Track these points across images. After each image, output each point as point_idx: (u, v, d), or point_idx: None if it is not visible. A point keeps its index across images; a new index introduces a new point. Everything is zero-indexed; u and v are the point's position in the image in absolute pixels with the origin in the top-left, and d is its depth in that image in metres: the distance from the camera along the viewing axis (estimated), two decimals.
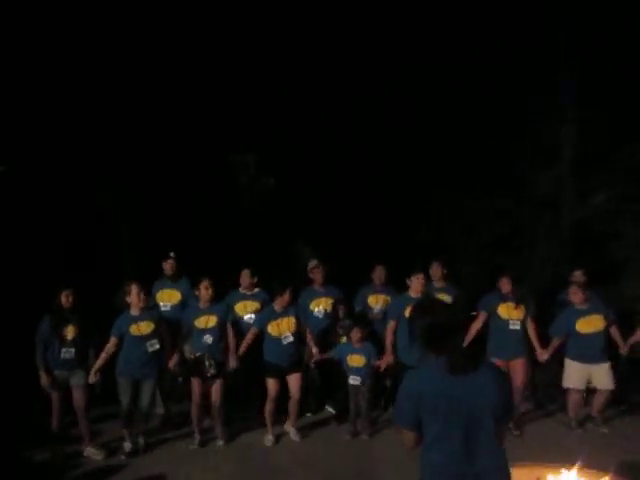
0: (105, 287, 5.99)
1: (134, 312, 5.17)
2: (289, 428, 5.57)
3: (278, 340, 5.35)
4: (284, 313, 5.42)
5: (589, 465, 3.45)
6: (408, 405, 2.35)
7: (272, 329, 5.38)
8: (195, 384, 5.32)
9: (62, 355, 5.08)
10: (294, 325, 5.42)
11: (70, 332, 5.11)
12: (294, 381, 5.40)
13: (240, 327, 5.76)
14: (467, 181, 9.15)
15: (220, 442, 5.43)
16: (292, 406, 5.51)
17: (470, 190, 9.13)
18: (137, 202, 8.30)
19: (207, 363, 5.22)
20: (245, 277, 6.10)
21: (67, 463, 5.09)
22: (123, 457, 5.17)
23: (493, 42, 8.47)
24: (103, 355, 5.08)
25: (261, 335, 5.48)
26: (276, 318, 5.40)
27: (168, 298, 6.10)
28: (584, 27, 8.01)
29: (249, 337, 5.47)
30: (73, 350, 5.12)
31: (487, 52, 8.58)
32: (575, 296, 5.50)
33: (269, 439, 5.44)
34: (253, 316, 5.86)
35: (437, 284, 6.01)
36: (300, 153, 9.46)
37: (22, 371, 5.82)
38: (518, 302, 5.51)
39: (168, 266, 6.12)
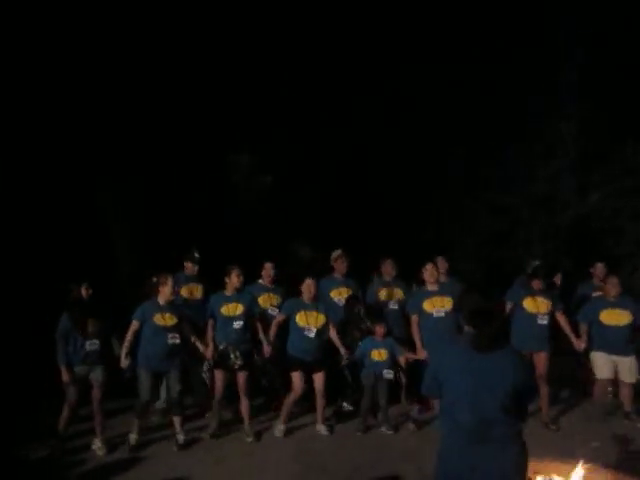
0: (104, 286, 5.88)
1: (162, 302, 5.10)
2: (319, 425, 5.47)
3: (303, 331, 5.30)
4: (313, 307, 5.38)
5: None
6: (430, 377, 2.72)
7: (300, 319, 5.34)
8: (219, 376, 5.27)
9: (87, 348, 4.96)
10: (322, 321, 5.37)
11: (92, 324, 5.00)
12: (319, 377, 5.33)
13: (266, 319, 5.73)
14: (466, 179, 9.24)
15: (249, 439, 5.29)
16: (319, 402, 5.41)
17: (469, 188, 9.22)
18: (136, 202, 8.12)
19: (233, 355, 5.17)
20: (268, 270, 6.15)
21: (66, 460, 4.93)
22: (127, 450, 5.05)
23: (493, 41, 8.58)
24: (128, 337, 5.01)
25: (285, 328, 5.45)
26: (305, 309, 5.38)
27: (189, 293, 6.10)
28: (584, 26, 8.18)
29: (276, 324, 5.49)
30: (97, 342, 5.01)
31: (487, 51, 8.69)
32: (612, 287, 5.54)
33: (280, 429, 5.34)
34: (277, 310, 5.86)
35: (441, 279, 6.02)
36: (299, 152, 9.39)
37: (27, 369, 5.82)
38: (543, 294, 5.52)
39: (192, 267, 6.12)
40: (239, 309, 5.34)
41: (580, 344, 5.55)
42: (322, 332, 5.42)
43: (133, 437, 5.12)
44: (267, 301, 6.03)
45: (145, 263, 6.87)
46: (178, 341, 5.12)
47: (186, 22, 8.39)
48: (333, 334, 5.50)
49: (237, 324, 5.29)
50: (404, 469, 4.54)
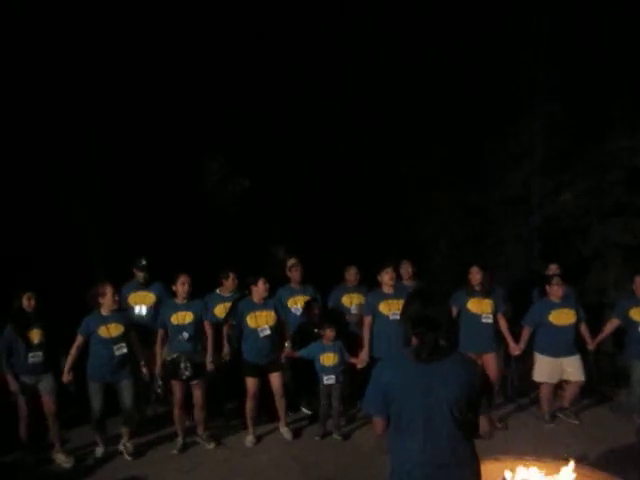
0: (74, 290, 5.92)
1: (104, 313, 5.07)
2: (282, 428, 5.53)
3: (255, 332, 5.30)
4: (263, 306, 5.39)
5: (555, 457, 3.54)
6: (376, 392, 2.48)
7: (250, 321, 5.35)
8: (175, 386, 5.26)
9: (29, 360, 4.95)
10: (273, 319, 5.38)
11: (36, 336, 5.00)
12: (275, 379, 5.37)
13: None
14: (439, 180, 9.26)
15: (209, 445, 5.36)
16: (279, 404, 5.48)
17: (442, 189, 9.24)
18: (105, 205, 8.18)
19: (183, 365, 5.17)
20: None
21: (36, 471, 5.00)
22: (93, 462, 5.09)
23: (463, 42, 8.60)
24: (72, 352, 4.99)
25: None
26: (254, 310, 5.38)
27: (142, 300, 6.05)
28: (554, 28, 8.20)
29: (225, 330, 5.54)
30: (41, 354, 5.00)
31: (457, 52, 8.72)
32: (557, 288, 5.58)
33: (250, 440, 5.40)
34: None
35: (406, 282, 6.08)
36: (273, 154, 9.45)
37: None
38: (486, 295, 5.57)
39: (141, 274, 6.06)
40: (188, 318, 5.30)
41: (515, 350, 5.61)
42: (275, 330, 5.44)
43: (99, 450, 5.15)
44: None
45: (115, 271, 6.92)
46: (125, 350, 5.09)
47: (156, 24, 8.42)
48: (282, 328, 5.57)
49: (184, 334, 5.25)
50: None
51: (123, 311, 5.46)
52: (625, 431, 5.23)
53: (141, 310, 5.95)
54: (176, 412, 5.34)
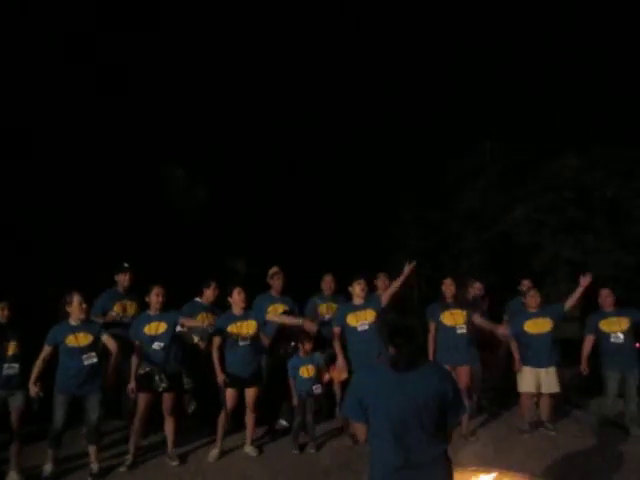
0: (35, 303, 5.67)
1: (73, 322, 4.86)
2: (247, 447, 5.38)
3: (235, 341, 5.22)
4: (244, 317, 5.31)
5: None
6: (355, 399, 2.58)
7: (232, 331, 5.26)
8: (142, 400, 5.05)
9: (4, 371, 4.72)
10: (254, 327, 5.32)
11: (11, 348, 4.78)
12: (251, 392, 5.27)
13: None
14: (399, 195, 9.47)
15: (173, 463, 5.15)
16: (249, 419, 5.35)
17: (401, 204, 9.45)
18: (63, 216, 7.85)
19: (157, 377, 4.98)
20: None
21: None
22: None
23: (427, 62, 8.89)
24: (37, 364, 4.74)
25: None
26: (235, 321, 5.28)
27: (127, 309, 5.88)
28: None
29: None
30: (16, 366, 4.78)
31: (415, 72, 9.00)
32: (533, 299, 5.78)
33: (214, 454, 5.23)
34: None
35: (381, 292, 6.07)
36: (235, 167, 9.37)
37: None
38: (459, 306, 5.69)
39: (124, 278, 5.87)
40: (161, 328, 5.16)
41: (500, 328, 5.80)
42: (255, 340, 5.34)
43: (48, 467, 4.83)
44: (205, 320, 5.79)
45: (72, 281, 6.62)
46: (95, 360, 4.86)
47: (116, 33, 8.24)
48: (285, 319, 5.57)
49: (157, 345, 5.10)
50: None
51: (92, 321, 5.19)
52: (594, 442, 5.37)
53: (127, 319, 5.74)
54: (137, 426, 5.11)
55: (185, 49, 9.02)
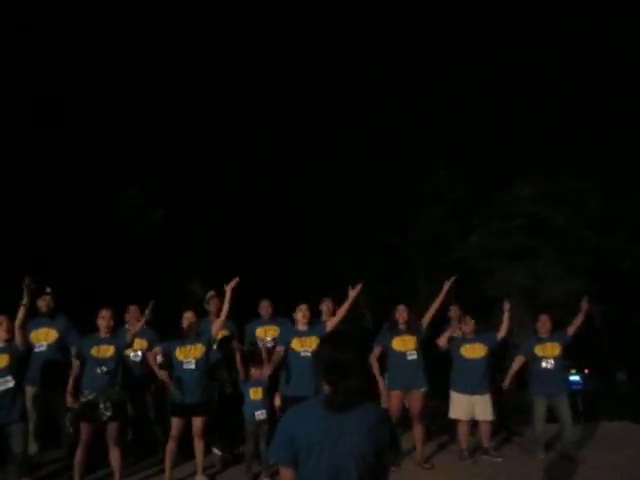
0: None
1: None
2: (199, 477, 5.22)
3: (182, 365, 5.09)
4: (192, 341, 5.18)
5: None
6: (282, 440, 2.32)
7: (179, 354, 5.13)
8: (85, 429, 4.80)
9: None
10: (201, 351, 5.18)
11: None
12: (199, 421, 5.12)
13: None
14: (361, 219, 9.52)
15: None
16: (197, 447, 5.20)
17: (360, 228, 9.51)
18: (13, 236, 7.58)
19: (102, 405, 4.75)
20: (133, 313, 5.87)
21: None
22: None
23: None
24: None
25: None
26: (184, 344, 5.16)
27: (44, 337, 5.56)
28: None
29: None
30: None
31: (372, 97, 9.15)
32: (467, 326, 5.87)
33: None
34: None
35: (325, 319, 6.00)
36: (191, 186, 9.28)
37: None
38: (410, 332, 5.72)
39: (44, 303, 5.58)
40: (110, 352, 4.96)
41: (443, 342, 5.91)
42: (202, 363, 5.20)
43: None
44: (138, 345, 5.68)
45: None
46: (11, 384, 4.59)
47: (71, 45, 8.11)
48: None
49: (103, 368, 4.88)
50: None
51: (9, 342, 4.92)
52: (530, 466, 5.47)
53: (42, 348, 5.47)
54: (79, 457, 4.85)
55: (141, 62, 8.93)
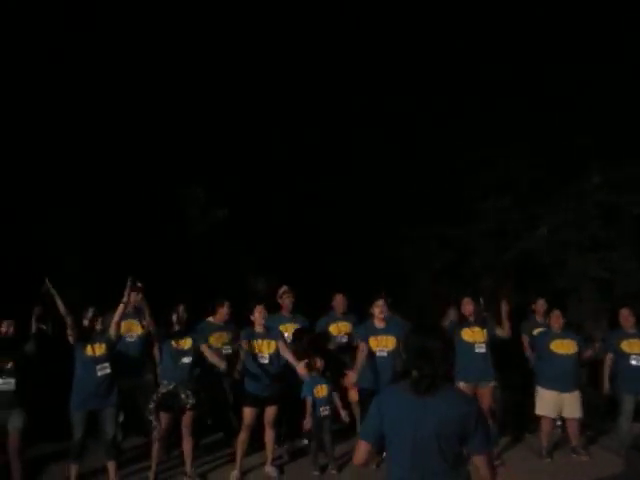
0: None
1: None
2: (268, 467, 5.32)
3: (256, 358, 5.21)
4: (265, 335, 5.31)
5: None
6: (373, 420, 2.51)
7: (253, 347, 5.26)
8: (164, 419, 5.02)
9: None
10: (274, 347, 5.29)
11: (5, 362, 4.83)
12: (271, 410, 5.22)
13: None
14: (417, 213, 9.39)
15: None
16: (268, 437, 5.30)
17: (422, 222, 9.36)
18: (79, 235, 7.98)
19: (183, 394, 4.96)
20: (226, 309, 6.07)
21: None
22: None
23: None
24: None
25: None
26: (257, 338, 5.28)
27: (134, 329, 5.92)
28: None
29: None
30: (13, 381, 4.78)
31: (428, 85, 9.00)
32: (556, 320, 5.72)
33: (235, 475, 5.17)
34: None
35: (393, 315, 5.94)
36: (252, 185, 9.43)
37: None
38: (479, 324, 5.61)
39: (137, 298, 5.79)
40: (188, 344, 5.20)
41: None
42: (275, 358, 5.30)
43: None
44: (219, 340, 5.95)
45: (90, 299, 6.69)
46: (109, 370, 4.91)
47: (132, 49, 8.39)
48: (288, 355, 5.26)
49: (186, 359, 5.12)
50: None
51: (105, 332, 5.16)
52: (616, 465, 5.24)
53: (132, 339, 5.83)
54: (157, 447, 5.08)
55: (206, 71, 9.17)
